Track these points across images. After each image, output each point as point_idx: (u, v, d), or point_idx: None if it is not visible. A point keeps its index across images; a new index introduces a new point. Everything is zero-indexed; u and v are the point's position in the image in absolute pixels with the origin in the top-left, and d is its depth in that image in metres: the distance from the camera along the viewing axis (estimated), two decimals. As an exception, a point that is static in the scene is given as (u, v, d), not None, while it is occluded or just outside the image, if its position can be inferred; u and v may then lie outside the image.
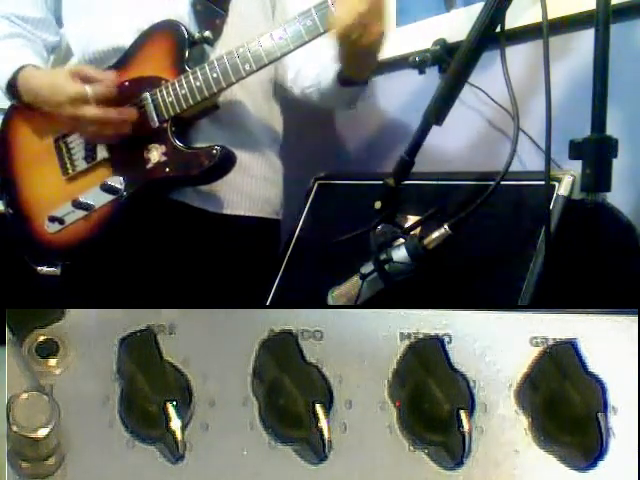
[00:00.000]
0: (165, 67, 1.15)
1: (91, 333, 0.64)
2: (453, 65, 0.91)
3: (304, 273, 1.24)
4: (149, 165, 1.14)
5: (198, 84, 1.10)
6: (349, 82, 1.16)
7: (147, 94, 1.14)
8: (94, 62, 1.21)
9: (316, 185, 1.34)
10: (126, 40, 1.18)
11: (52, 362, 0.63)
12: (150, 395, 0.60)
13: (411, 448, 0.63)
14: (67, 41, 1.28)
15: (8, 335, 0.63)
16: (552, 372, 0.62)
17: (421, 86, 1.38)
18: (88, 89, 1.11)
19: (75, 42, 1.25)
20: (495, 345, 0.65)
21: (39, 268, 1.18)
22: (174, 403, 0.60)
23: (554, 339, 0.64)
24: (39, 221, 1.20)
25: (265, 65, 1.07)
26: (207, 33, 1.14)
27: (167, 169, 1.13)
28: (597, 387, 0.61)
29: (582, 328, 0.64)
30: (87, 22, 1.23)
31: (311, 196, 1.32)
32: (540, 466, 0.63)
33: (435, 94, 0.92)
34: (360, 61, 1.10)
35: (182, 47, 1.14)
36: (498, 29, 0.90)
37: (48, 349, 0.63)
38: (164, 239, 1.20)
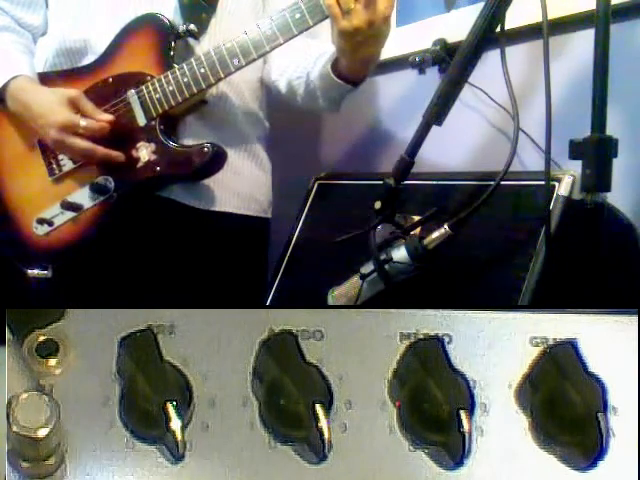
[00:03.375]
0: (150, 62, 1.13)
1: (91, 333, 0.64)
2: (453, 65, 0.90)
3: (304, 273, 1.24)
4: (139, 164, 1.13)
5: (186, 80, 1.09)
6: (342, 78, 1.14)
7: (132, 91, 1.13)
8: (72, 51, 1.19)
9: (316, 185, 1.33)
10: (108, 33, 1.16)
11: (52, 362, 0.63)
12: (150, 395, 0.60)
13: (411, 448, 0.63)
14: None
15: (8, 335, 0.63)
16: (552, 372, 0.62)
17: (421, 86, 1.38)
18: (82, 121, 1.10)
19: (55, 28, 1.22)
20: (495, 345, 0.65)
21: (29, 271, 1.17)
22: (174, 403, 0.60)
23: (554, 339, 0.64)
24: (27, 223, 1.19)
25: (254, 59, 1.07)
26: (192, 26, 1.12)
27: (158, 168, 1.12)
28: (597, 387, 0.61)
29: (582, 328, 0.64)
30: (69, 10, 1.20)
31: (311, 196, 1.32)
32: (540, 466, 0.63)
33: (435, 94, 0.92)
34: (362, 55, 1.08)
35: (166, 41, 1.13)
36: (498, 29, 0.90)
37: (48, 349, 0.63)
38: (153, 236, 1.18)
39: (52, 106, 1.12)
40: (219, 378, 0.64)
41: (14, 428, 0.58)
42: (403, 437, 0.63)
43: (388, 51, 1.45)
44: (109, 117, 1.12)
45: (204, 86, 1.09)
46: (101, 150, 1.11)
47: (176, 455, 0.61)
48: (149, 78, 1.12)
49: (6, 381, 0.62)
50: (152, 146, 1.12)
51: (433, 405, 0.61)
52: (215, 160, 1.12)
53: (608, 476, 0.62)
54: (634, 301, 0.75)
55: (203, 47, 1.15)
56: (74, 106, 1.12)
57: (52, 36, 1.22)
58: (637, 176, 1.03)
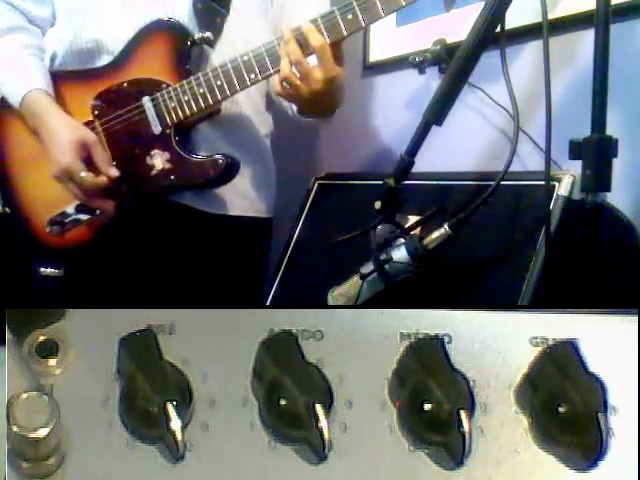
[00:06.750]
0: (165, 69, 1.13)
1: (91, 333, 0.64)
2: (453, 65, 0.90)
3: (304, 273, 1.24)
4: (153, 172, 1.13)
5: (202, 91, 1.09)
6: (310, 116, 1.19)
7: (147, 98, 1.12)
8: (84, 51, 1.18)
9: (316, 185, 1.34)
10: (122, 34, 1.15)
11: (52, 362, 0.63)
12: (150, 395, 0.60)
13: (411, 448, 0.63)
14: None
15: (8, 335, 0.64)
16: (552, 372, 0.62)
17: (421, 86, 1.38)
18: (82, 173, 1.09)
19: (65, 26, 1.21)
20: (495, 345, 0.65)
21: (42, 269, 1.18)
22: (174, 403, 0.60)
23: (554, 339, 0.64)
24: (40, 223, 1.19)
25: (271, 74, 1.06)
26: (208, 34, 1.12)
27: (172, 177, 1.13)
28: (597, 387, 0.61)
29: (582, 328, 0.64)
30: (79, 9, 1.19)
31: (311, 196, 1.32)
32: (540, 466, 0.63)
33: (435, 94, 0.92)
34: (321, 108, 1.12)
35: (183, 49, 1.12)
36: (498, 29, 0.90)
37: (48, 349, 0.63)
38: (162, 239, 1.19)
39: (61, 144, 1.11)
40: (219, 378, 0.64)
41: (14, 428, 0.58)
42: (403, 437, 0.63)
43: (388, 51, 1.46)
44: (115, 173, 1.12)
45: (220, 98, 1.09)
46: (96, 202, 1.13)
47: (176, 455, 0.61)
48: (165, 86, 1.12)
49: (6, 381, 0.62)
50: (166, 155, 1.13)
51: (433, 405, 0.61)
52: (229, 171, 1.13)
53: (608, 476, 0.62)
54: (634, 301, 0.75)
55: (216, 51, 1.15)
56: (85, 150, 1.11)
57: (61, 34, 1.21)
58: (637, 176, 1.03)
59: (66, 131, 1.12)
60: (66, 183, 1.11)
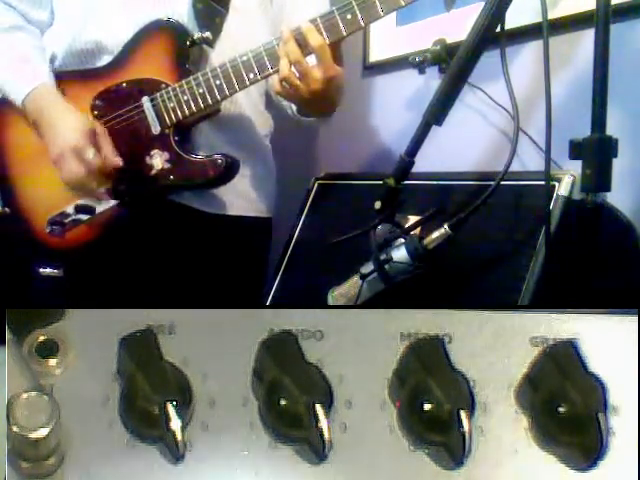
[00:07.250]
0: (165, 69, 1.13)
1: (91, 333, 0.64)
2: (453, 65, 0.90)
3: (304, 273, 1.24)
4: (153, 172, 1.14)
5: (201, 91, 1.09)
6: (310, 115, 1.19)
7: (146, 98, 1.12)
8: (83, 53, 1.18)
9: (316, 185, 1.34)
10: (122, 35, 1.15)
11: (52, 362, 0.63)
12: (150, 395, 0.60)
13: (411, 448, 0.63)
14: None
15: (8, 335, 0.64)
16: (552, 372, 0.62)
17: (421, 86, 1.38)
18: (91, 153, 1.09)
19: (64, 27, 1.21)
20: (495, 345, 0.65)
21: (42, 270, 1.18)
22: (174, 403, 0.60)
23: (554, 339, 0.64)
24: (39, 223, 1.19)
25: (270, 74, 1.06)
26: (207, 34, 1.12)
27: (171, 176, 1.13)
28: (597, 387, 0.61)
29: (582, 328, 0.64)
30: (78, 10, 1.19)
31: (311, 196, 1.32)
32: (540, 466, 0.63)
33: (435, 94, 0.92)
34: (321, 108, 1.13)
35: (182, 49, 1.13)
36: (498, 29, 0.90)
37: (48, 349, 0.63)
38: (162, 239, 1.19)
39: (72, 126, 1.11)
40: (219, 378, 0.64)
41: (14, 428, 0.58)
42: (403, 437, 0.63)
43: (388, 51, 1.46)
44: (120, 163, 1.11)
45: (219, 98, 1.09)
46: (92, 188, 1.12)
47: (176, 455, 0.61)
48: (164, 86, 1.12)
49: (6, 381, 0.62)
50: (166, 155, 1.13)
51: (433, 405, 0.61)
52: (228, 171, 1.13)
53: (608, 476, 0.62)
54: (634, 301, 0.75)
55: (216, 50, 1.15)
56: (93, 138, 1.11)
57: (60, 35, 1.21)
58: (637, 176, 1.03)
59: (76, 119, 1.12)
60: (69, 161, 1.10)
